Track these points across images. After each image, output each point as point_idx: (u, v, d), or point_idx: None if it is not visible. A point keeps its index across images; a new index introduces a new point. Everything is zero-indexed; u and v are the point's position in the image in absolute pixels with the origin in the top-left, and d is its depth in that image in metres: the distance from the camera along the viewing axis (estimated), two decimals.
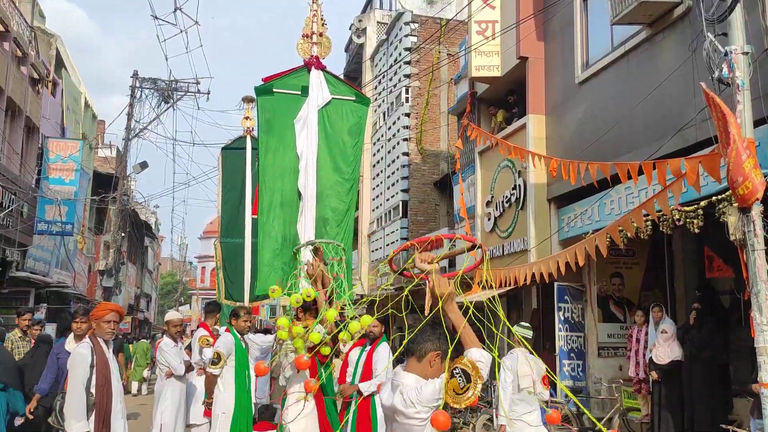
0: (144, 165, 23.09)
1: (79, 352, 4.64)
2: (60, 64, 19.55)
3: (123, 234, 23.41)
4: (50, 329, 13.86)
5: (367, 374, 5.84)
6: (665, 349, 8.26)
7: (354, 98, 5.45)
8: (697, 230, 7.07)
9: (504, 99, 13.68)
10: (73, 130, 19.95)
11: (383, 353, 5.90)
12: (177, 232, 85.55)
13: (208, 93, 22.60)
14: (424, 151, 20.71)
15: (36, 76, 16.38)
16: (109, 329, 4.84)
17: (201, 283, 61.69)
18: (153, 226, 41.49)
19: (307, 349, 4.53)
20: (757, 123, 6.26)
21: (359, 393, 5.81)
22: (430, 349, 2.88)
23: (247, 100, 9.40)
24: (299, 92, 5.20)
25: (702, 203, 6.85)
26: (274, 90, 5.15)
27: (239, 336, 6.53)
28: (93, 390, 4.58)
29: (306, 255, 4.94)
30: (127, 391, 18.09)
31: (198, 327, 7.65)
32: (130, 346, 19.93)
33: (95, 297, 22.62)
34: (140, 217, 31.94)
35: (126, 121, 21.86)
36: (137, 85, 21.98)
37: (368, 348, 6.04)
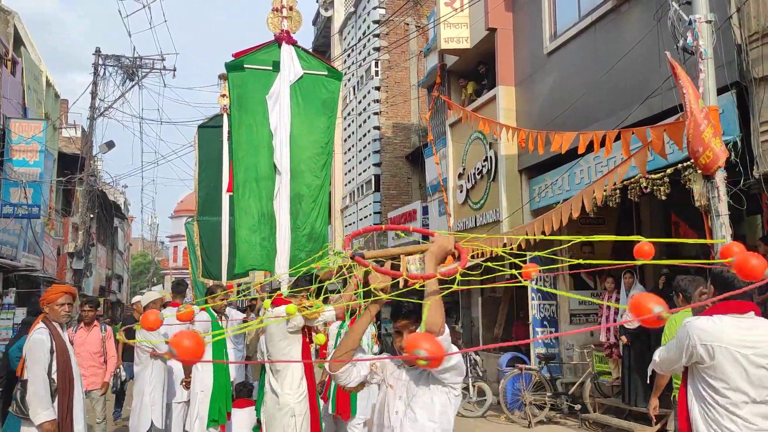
0: (110, 144, 22.63)
1: (37, 339, 4.49)
2: (19, 41, 18.94)
3: (92, 215, 23.01)
4: (20, 313, 13.69)
5: None
6: None
7: (326, 73, 5.42)
8: (663, 197, 7.24)
9: (474, 71, 13.70)
10: (35, 109, 19.41)
11: None
12: (147, 211, 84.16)
13: (174, 70, 22.09)
14: (395, 126, 20.67)
15: None
16: (64, 312, 4.69)
17: (174, 263, 61.16)
18: (122, 207, 40.82)
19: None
20: (720, 90, 6.40)
21: None
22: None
23: (224, 77, 9.30)
24: (271, 68, 5.14)
25: (668, 171, 7.01)
26: (245, 66, 5.09)
27: (216, 314, 6.54)
28: (54, 376, 4.48)
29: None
30: None
31: (167, 306, 7.62)
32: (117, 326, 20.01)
33: (65, 280, 22.29)
34: (109, 198, 31.39)
35: (90, 100, 21.36)
36: (100, 62, 21.45)
37: (348, 322, 6.09)
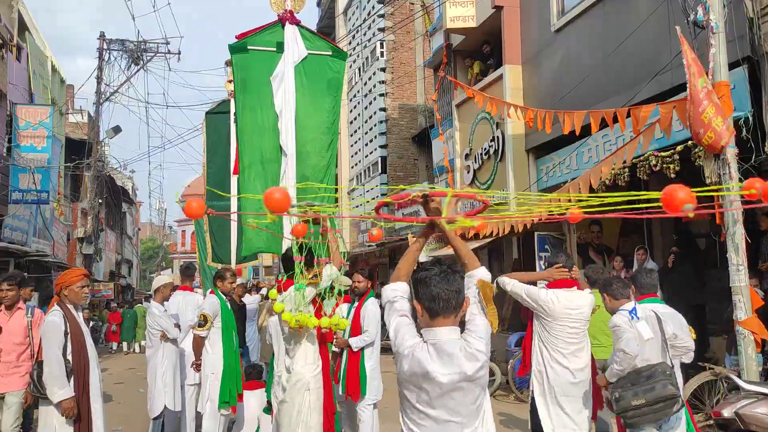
0: (117, 129, 22.71)
1: (51, 321, 4.61)
2: (23, 27, 18.89)
3: (100, 200, 23.12)
4: (32, 298, 13.79)
5: (356, 330, 5.90)
6: None
7: (330, 53, 5.36)
8: (673, 175, 7.16)
9: (480, 50, 13.57)
10: (41, 95, 19.39)
11: (371, 309, 5.95)
12: (155, 196, 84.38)
13: (179, 53, 22.07)
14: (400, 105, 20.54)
15: None
16: (84, 294, 4.80)
17: (182, 247, 61.43)
18: (130, 192, 41.00)
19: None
20: (732, 65, 6.30)
21: (349, 347, 5.90)
22: (464, 297, 2.52)
23: (230, 63, 9.25)
24: (274, 49, 5.09)
25: (678, 148, 6.93)
26: (249, 47, 5.04)
27: (224, 297, 6.55)
28: (69, 357, 4.59)
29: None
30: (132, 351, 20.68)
31: (177, 289, 7.65)
32: (138, 309, 21.24)
33: (75, 265, 22.45)
34: (116, 183, 31.52)
35: (96, 85, 21.37)
36: (105, 47, 21.41)
37: (356, 304, 6.09)
